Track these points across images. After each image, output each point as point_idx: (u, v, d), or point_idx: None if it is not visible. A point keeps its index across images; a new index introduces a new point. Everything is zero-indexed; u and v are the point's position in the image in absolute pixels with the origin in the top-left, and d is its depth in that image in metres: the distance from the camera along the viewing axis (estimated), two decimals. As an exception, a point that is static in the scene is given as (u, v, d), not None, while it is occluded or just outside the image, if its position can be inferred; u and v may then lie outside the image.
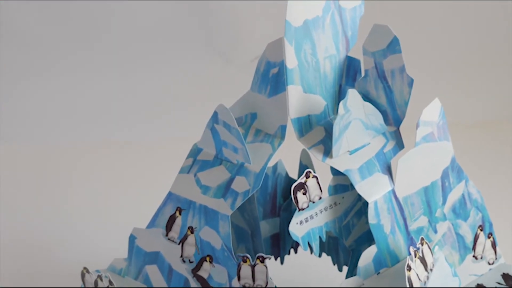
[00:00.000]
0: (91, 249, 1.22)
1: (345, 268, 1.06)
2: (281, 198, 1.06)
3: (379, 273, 0.87)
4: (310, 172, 0.86)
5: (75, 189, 1.45)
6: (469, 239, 0.97)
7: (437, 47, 1.72)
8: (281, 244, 1.08)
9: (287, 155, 1.06)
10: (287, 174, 1.05)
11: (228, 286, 0.88)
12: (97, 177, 1.49)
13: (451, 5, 1.67)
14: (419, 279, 0.85)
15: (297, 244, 1.09)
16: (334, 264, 1.07)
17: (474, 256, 0.98)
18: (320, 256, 1.07)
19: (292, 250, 1.10)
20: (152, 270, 0.95)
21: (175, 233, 0.92)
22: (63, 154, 1.58)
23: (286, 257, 1.09)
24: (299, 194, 0.86)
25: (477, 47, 1.71)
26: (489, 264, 0.99)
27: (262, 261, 0.85)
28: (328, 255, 1.07)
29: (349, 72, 0.94)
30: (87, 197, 1.41)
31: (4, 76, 1.66)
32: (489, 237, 0.99)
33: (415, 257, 0.85)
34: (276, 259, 1.09)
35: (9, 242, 1.29)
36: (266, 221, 1.05)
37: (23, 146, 1.60)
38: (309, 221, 0.87)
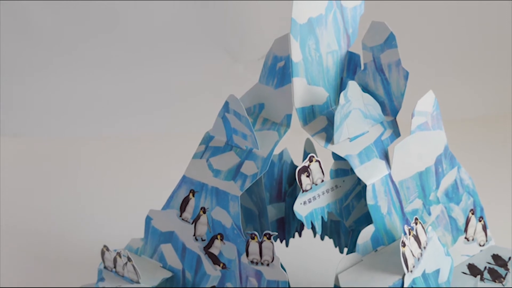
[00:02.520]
0: (108, 232, 1.29)
1: (346, 250, 1.13)
2: (287, 184, 1.13)
3: (376, 250, 0.95)
4: (313, 156, 0.93)
5: (92, 180, 1.52)
6: (461, 222, 1.04)
7: (437, 43, 1.76)
8: (286, 228, 1.16)
9: (292, 145, 1.14)
10: (292, 162, 1.13)
11: (237, 262, 0.95)
12: (114, 168, 1.56)
13: (452, 1, 1.72)
14: (413, 255, 0.92)
15: (302, 228, 1.16)
16: (335, 247, 1.14)
17: (466, 238, 1.05)
18: (322, 239, 1.15)
19: (296, 234, 1.17)
20: (167, 249, 1.02)
21: (188, 213, 0.99)
22: (78, 146, 1.65)
23: (291, 240, 1.17)
24: (303, 177, 0.93)
25: (478, 42, 1.75)
26: (480, 245, 1.06)
27: (269, 238, 0.92)
28: (330, 238, 1.14)
29: (349, 66, 1.01)
30: (102, 186, 1.49)
31: (14, 70, 1.73)
32: (480, 221, 1.06)
33: (409, 235, 0.92)
34: (281, 242, 1.16)
35: (27, 228, 1.37)
36: (272, 206, 1.13)
37: (40, 138, 1.68)
38: (312, 202, 0.94)
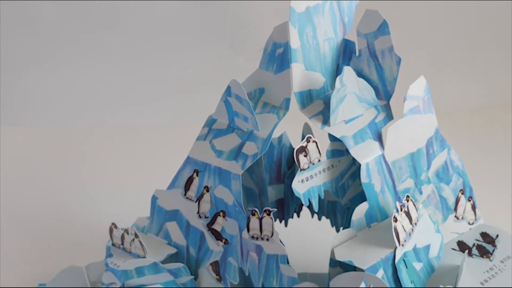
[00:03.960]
0: (115, 213, 1.34)
1: (342, 229, 1.18)
2: (286, 166, 1.18)
3: (370, 226, 1.00)
4: (310, 137, 0.99)
5: (97, 167, 1.58)
6: (451, 201, 1.10)
7: (437, 34, 1.80)
8: (285, 209, 1.21)
9: (291, 129, 1.19)
10: (291, 145, 1.18)
11: (238, 237, 1.00)
12: (118, 156, 1.62)
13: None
14: (404, 230, 0.97)
15: (300, 209, 1.22)
16: (332, 226, 1.19)
17: (455, 216, 1.10)
18: (320, 219, 1.20)
19: (295, 214, 1.23)
20: (172, 226, 1.08)
21: (192, 192, 1.05)
22: (82, 136, 1.71)
23: (290, 220, 1.22)
24: (301, 156, 0.98)
25: (478, 33, 1.79)
26: (469, 224, 1.11)
27: (269, 214, 0.98)
28: (327, 218, 1.19)
29: (345, 53, 1.06)
30: (108, 172, 1.55)
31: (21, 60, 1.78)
32: (469, 200, 1.11)
33: (401, 211, 0.97)
34: (280, 222, 1.21)
35: (35, 213, 1.43)
36: (272, 187, 1.18)
37: (44, 129, 1.73)
38: (310, 180, 1.00)
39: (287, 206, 1.21)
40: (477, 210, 1.12)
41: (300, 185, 0.99)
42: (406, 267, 0.96)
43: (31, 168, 1.58)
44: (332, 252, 0.97)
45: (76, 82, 1.80)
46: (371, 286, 0.92)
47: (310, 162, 0.99)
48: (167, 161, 1.52)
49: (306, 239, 1.26)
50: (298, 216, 1.22)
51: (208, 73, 1.80)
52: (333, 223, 1.19)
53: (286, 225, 1.21)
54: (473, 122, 1.71)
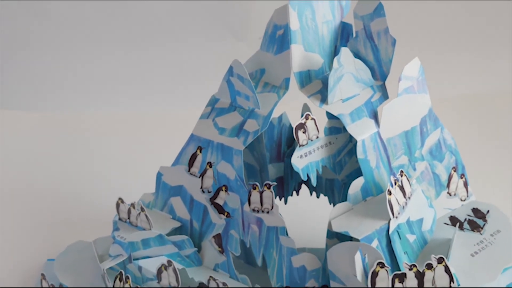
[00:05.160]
0: (121, 190, 1.39)
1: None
2: (285, 145, 1.23)
3: (365, 200, 1.05)
4: (309, 114, 1.03)
5: (102, 148, 1.63)
6: (444, 178, 1.14)
7: (437, 19, 1.83)
8: (285, 187, 1.25)
9: (291, 110, 1.24)
10: (290, 125, 1.23)
11: (240, 211, 1.05)
12: (122, 140, 1.66)
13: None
14: (398, 203, 1.02)
15: (299, 187, 1.26)
16: (330, 204, 1.24)
17: (448, 192, 1.15)
18: (318, 196, 1.25)
19: (294, 192, 1.27)
20: (176, 201, 1.12)
21: (196, 168, 1.09)
22: (86, 121, 1.75)
23: (289, 198, 1.27)
24: (300, 133, 1.03)
25: (478, 18, 1.82)
26: (461, 200, 1.16)
27: (269, 188, 1.02)
28: (325, 195, 1.24)
29: (343, 35, 1.11)
30: (112, 154, 1.60)
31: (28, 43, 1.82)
32: (461, 178, 1.16)
33: (395, 185, 1.02)
34: (280, 200, 1.26)
35: (42, 191, 1.48)
36: (272, 165, 1.23)
37: (50, 113, 1.78)
38: (308, 155, 1.04)
39: (287, 184, 1.25)
40: (469, 187, 1.16)
41: (299, 161, 1.03)
42: (400, 238, 1.01)
43: (39, 150, 1.63)
44: (329, 224, 1.01)
45: (84, 67, 1.84)
46: (366, 255, 0.96)
47: (309, 139, 1.04)
48: (170, 142, 1.56)
49: (305, 216, 1.31)
50: (297, 194, 1.27)
51: (210, 60, 1.84)
52: (331, 201, 1.24)
53: (285, 202, 1.26)
54: (470, 108, 1.76)
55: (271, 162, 1.22)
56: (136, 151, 1.60)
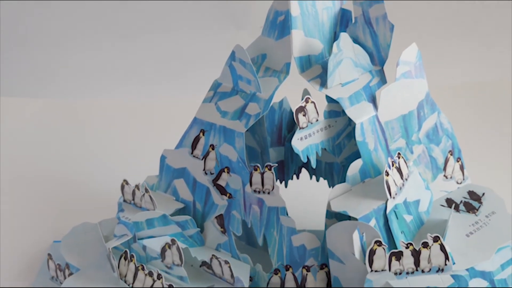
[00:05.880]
0: (125, 172, 1.42)
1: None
2: (286, 130, 1.26)
3: (364, 181, 1.08)
4: (309, 97, 1.06)
5: (105, 136, 1.66)
6: (441, 161, 1.17)
7: (438, 7, 1.86)
8: (285, 170, 1.28)
9: (291, 95, 1.27)
10: (291, 110, 1.25)
11: (242, 191, 1.08)
12: (125, 128, 1.69)
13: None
14: (396, 184, 1.05)
15: (299, 171, 1.29)
16: (329, 187, 1.27)
17: (444, 175, 1.18)
18: (318, 180, 1.28)
19: (294, 176, 1.30)
20: (179, 183, 1.15)
21: (199, 150, 1.12)
22: (89, 109, 1.78)
23: (289, 182, 1.30)
24: (300, 116, 1.06)
25: (479, 6, 1.85)
26: (458, 183, 1.19)
27: (270, 169, 1.05)
28: (324, 179, 1.27)
29: (342, 21, 1.14)
30: (114, 141, 1.63)
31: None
32: (458, 161, 1.19)
33: (393, 166, 1.05)
34: (281, 183, 1.29)
35: (47, 177, 1.51)
36: (273, 149, 1.25)
37: (54, 101, 1.80)
38: (308, 138, 1.07)
39: (287, 168, 1.28)
40: (465, 171, 1.19)
41: (299, 143, 1.06)
42: (397, 218, 1.04)
43: (44, 136, 1.66)
44: (328, 204, 1.04)
45: (89, 56, 1.87)
46: (364, 234, 0.99)
47: (309, 122, 1.07)
48: (174, 128, 1.59)
49: (305, 200, 1.33)
50: (298, 177, 1.29)
51: (212, 48, 1.86)
52: (330, 184, 1.27)
53: (286, 186, 1.29)
54: (470, 96, 1.78)
55: (272, 146, 1.25)
56: (140, 136, 1.63)
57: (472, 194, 1.17)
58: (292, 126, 1.26)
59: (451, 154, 1.18)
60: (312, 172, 1.27)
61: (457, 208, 1.13)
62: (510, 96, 1.75)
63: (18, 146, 1.62)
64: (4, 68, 1.83)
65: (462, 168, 1.19)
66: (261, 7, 1.85)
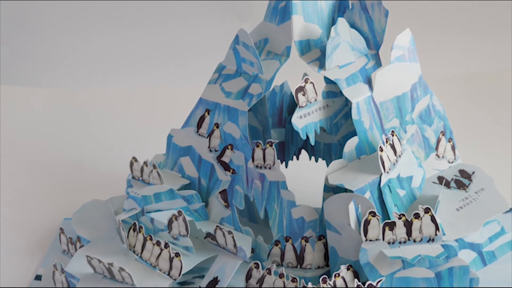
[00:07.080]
0: (133, 152, 1.48)
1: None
2: (286, 112, 1.32)
3: (359, 158, 1.14)
4: (308, 78, 1.12)
5: (111, 120, 1.72)
6: (433, 141, 1.23)
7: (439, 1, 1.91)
8: (286, 151, 1.35)
9: (292, 78, 1.33)
10: (291, 93, 1.32)
11: (244, 167, 1.14)
12: (129, 113, 1.75)
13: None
14: (389, 160, 1.11)
15: (299, 152, 1.35)
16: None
17: (437, 155, 1.24)
18: (317, 161, 1.34)
19: (294, 157, 1.36)
20: (185, 161, 1.21)
21: (204, 129, 1.18)
22: (93, 96, 1.84)
23: (290, 162, 1.36)
24: (299, 95, 1.12)
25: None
26: (449, 162, 1.25)
27: (271, 145, 1.11)
28: (323, 159, 1.33)
29: (340, 8, 1.20)
30: (126, 120, 1.69)
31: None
32: (449, 141, 1.25)
33: (386, 143, 1.11)
34: (281, 163, 1.35)
35: (55, 158, 1.57)
36: (274, 130, 1.32)
37: (57, 89, 1.87)
38: (307, 116, 1.13)
39: (287, 149, 1.34)
40: (456, 151, 1.25)
41: (299, 121, 1.12)
42: (391, 192, 1.10)
43: (54, 120, 1.72)
44: (326, 178, 1.10)
45: (96, 43, 1.92)
46: (359, 205, 1.06)
47: (308, 101, 1.13)
48: (178, 111, 1.65)
49: (304, 180, 1.39)
50: (297, 158, 1.36)
51: (214, 40, 1.92)
52: (328, 164, 1.33)
53: (286, 166, 1.35)
54: (469, 87, 1.82)
55: (273, 127, 1.31)
56: (147, 119, 1.69)
57: (462, 172, 1.23)
58: (292, 108, 1.32)
59: (443, 135, 1.24)
60: (311, 153, 1.34)
61: (448, 185, 1.19)
62: (506, 86, 1.80)
63: (28, 131, 1.68)
64: (7, 57, 1.89)
65: (453, 148, 1.25)
66: (263, 1, 1.93)
